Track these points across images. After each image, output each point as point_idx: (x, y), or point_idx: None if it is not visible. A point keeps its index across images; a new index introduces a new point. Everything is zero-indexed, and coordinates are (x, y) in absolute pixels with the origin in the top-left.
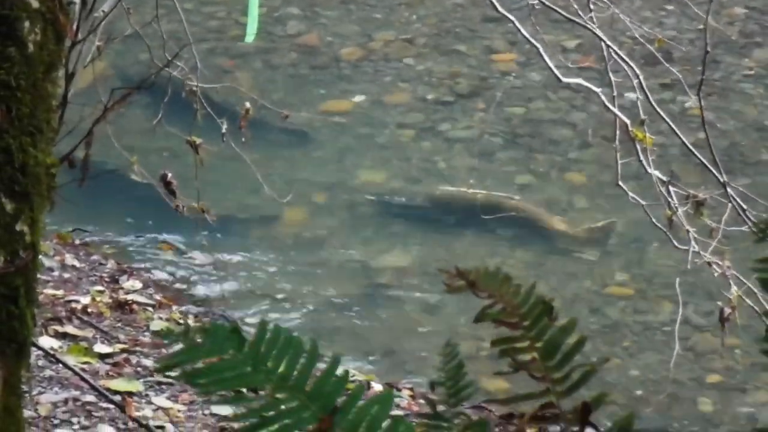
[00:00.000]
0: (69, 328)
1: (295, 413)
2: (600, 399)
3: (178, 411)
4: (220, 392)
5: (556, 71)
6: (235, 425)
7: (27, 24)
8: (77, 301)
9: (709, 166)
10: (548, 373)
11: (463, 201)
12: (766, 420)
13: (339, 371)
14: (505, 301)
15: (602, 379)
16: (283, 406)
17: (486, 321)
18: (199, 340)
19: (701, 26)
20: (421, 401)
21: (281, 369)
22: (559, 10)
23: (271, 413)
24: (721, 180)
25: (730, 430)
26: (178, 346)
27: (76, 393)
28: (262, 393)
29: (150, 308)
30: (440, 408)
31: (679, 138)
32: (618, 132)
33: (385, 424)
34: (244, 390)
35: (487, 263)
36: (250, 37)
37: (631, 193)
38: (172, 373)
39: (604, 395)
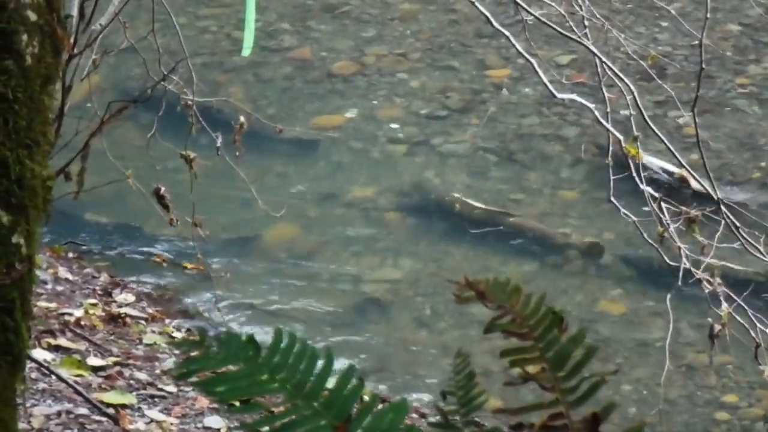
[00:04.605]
0: (62, 341)
1: (309, 421)
2: (609, 409)
3: (171, 424)
4: (236, 400)
5: (550, 86)
6: None
7: (25, 37)
8: (70, 314)
9: (702, 183)
10: (557, 383)
11: (454, 214)
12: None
13: (354, 380)
14: (514, 312)
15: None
16: (296, 415)
17: (496, 331)
18: (214, 349)
19: (695, 42)
20: (414, 415)
21: (296, 377)
22: (554, 26)
23: (285, 421)
24: (715, 197)
25: None
26: (194, 354)
27: (69, 405)
28: (273, 401)
29: (143, 321)
30: (451, 418)
31: (674, 155)
32: (611, 148)
33: None
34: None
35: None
36: (246, 51)
37: (623, 210)
38: (189, 381)
39: (612, 405)
